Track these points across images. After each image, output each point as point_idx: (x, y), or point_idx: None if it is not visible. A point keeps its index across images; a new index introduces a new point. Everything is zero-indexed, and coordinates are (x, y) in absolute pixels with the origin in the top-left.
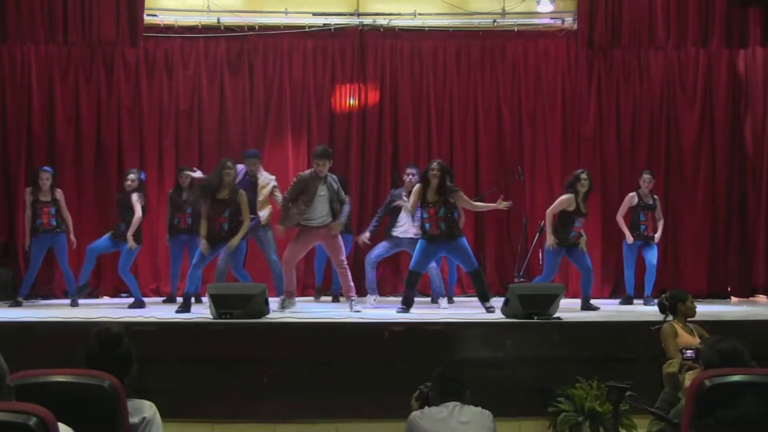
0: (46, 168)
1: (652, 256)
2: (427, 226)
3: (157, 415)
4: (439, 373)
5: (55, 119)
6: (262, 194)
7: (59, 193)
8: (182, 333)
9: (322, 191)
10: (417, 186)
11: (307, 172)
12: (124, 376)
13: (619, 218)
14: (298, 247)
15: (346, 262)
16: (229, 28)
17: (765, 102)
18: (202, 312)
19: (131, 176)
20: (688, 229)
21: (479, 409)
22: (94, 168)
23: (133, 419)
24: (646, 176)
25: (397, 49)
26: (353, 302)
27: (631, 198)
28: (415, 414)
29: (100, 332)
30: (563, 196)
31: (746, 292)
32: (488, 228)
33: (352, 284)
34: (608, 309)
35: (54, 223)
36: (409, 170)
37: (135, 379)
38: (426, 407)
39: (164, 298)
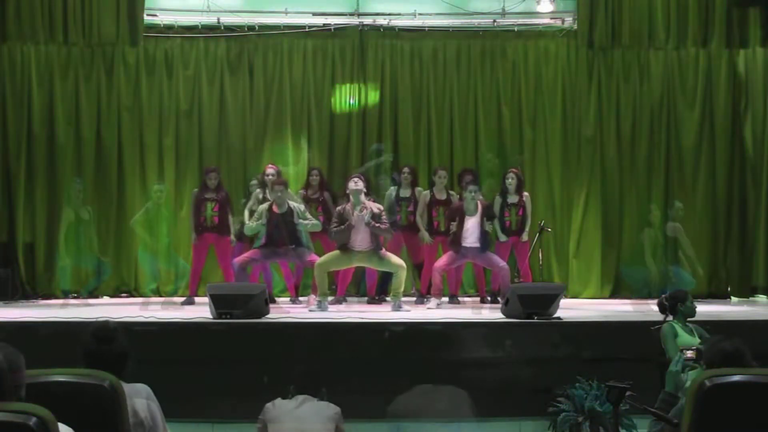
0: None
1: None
2: None
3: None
4: (306, 370)
5: (55, 119)
6: None
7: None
8: (182, 333)
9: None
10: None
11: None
12: (121, 371)
13: None
14: None
15: None
16: (229, 28)
17: (765, 102)
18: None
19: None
20: (688, 229)
21: (326, 403)
22: (94, 168)
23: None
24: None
25: (397, 49)
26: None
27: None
28: (268, 404)
29: (96, 329)
30: None
31: (746, 292)
32: None
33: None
34: (608, 309)
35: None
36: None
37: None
38: (278, 399)
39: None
